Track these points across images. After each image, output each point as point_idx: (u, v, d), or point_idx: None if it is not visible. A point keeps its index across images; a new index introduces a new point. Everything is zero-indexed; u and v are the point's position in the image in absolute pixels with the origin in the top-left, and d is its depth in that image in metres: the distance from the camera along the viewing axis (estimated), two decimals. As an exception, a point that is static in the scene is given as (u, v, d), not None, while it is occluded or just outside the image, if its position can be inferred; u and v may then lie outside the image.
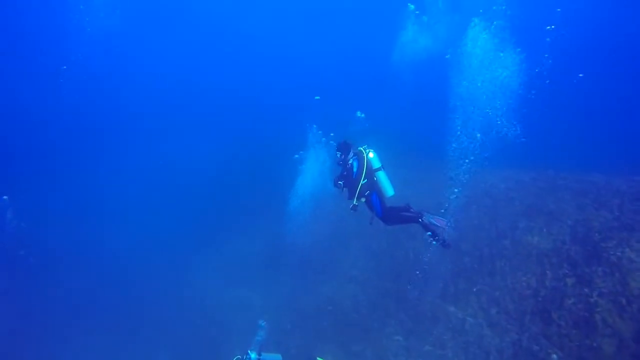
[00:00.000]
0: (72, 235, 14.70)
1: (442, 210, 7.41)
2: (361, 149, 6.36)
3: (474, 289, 8.55)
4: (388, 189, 6.40)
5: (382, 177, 6.34)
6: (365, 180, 6.08)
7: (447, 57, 10.76)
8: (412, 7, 15.70)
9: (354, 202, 6.08)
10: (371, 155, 6.30)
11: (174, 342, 11.64)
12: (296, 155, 11.33)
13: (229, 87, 22.41)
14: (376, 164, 6.31)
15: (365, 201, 6.30)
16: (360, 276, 10.48)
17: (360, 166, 6.11)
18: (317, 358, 7.93)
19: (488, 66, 8.68)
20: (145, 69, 23.28)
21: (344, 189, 6.27)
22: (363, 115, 10.15)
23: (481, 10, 9.37)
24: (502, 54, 8.77)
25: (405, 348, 8.29)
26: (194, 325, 11.75)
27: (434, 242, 6.35)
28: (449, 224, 6.49)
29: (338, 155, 6.33)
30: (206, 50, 25.20)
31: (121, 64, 22.83)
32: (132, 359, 11.40)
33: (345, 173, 6.25)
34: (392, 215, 6.41)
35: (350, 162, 6.19)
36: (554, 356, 6.62)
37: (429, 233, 6.28)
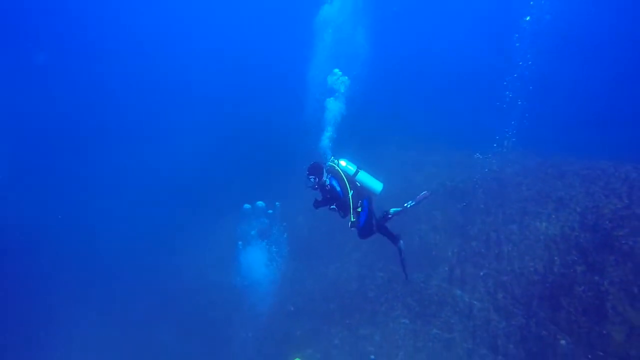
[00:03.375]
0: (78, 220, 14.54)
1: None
2: (331, 164, 5.95)
3: (481, 273, 8.63)
4: (376, 186, 6.04)
5: (365, 178, 5.99)
6: (352, 191, 5.71)
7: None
8: None
9: (352, 219, 5.66)
10: (343, 163, 5.91)
11: (174, 321, 11.61)
12: None
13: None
14: (352, 169, 5.93)
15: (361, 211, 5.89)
16: (363, 259, 10.47)
17: (340, 182, 5.72)
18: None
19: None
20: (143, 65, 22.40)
21: (339, 211, 5.83)
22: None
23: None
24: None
25: (413, 331, 8.40)
26: (195, 306, 11.69)
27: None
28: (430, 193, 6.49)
29: (312, 180, 5.76)
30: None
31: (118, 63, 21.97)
32: (135, 336, 11.36)
33: (328, 196, 5.82)
34: (378, 225, 6.09)
35: (327, 182, 5.75)
36: (563, 342, 6.77)
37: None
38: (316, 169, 5.75)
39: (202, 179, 15.60)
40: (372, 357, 8.24)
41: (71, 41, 22.23)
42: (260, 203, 11.69)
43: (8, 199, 15.58)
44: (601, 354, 6.22)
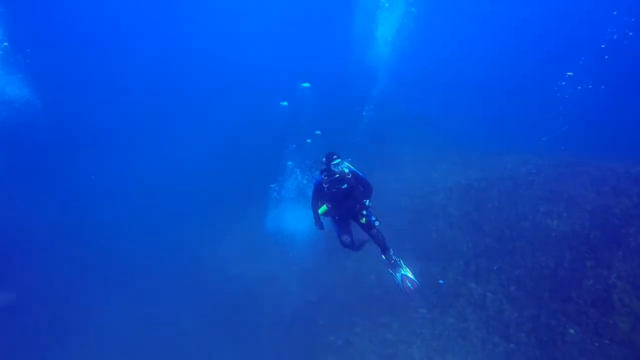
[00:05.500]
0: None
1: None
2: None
3: (495, 267, 9.14)
4: None
5: None
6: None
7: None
8: None
9: (368, 212, 5.89)
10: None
11: (201, 311, 12.25)
12: None
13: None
14: None
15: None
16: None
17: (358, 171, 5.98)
18: None
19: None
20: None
21: (364, 200, 5.83)
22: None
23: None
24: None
25: (430, 320, 8.96)
26: (221, 296, 12.34)
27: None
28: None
29: (344, 164, 5.69)
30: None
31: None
32: (162, 327, 12.02)
33: (345, 186, 5.76)
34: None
35: (347, 171, 5.77)
36: (572, 331, 7.29)
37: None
38: (339, 155, 5.79)
39: (225, 172, 16.18)
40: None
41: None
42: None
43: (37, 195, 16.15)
44: (607, 342, 6.73)
